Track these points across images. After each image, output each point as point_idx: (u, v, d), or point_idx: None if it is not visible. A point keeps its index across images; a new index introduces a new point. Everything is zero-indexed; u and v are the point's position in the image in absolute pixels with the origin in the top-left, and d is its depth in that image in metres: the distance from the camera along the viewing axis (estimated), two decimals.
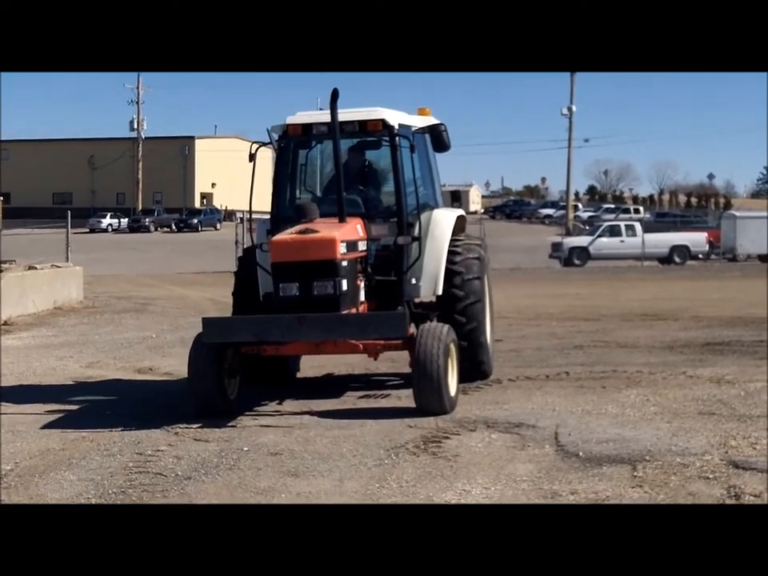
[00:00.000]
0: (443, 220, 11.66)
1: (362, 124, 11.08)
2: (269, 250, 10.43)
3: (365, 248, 10.84)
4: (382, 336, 9.99)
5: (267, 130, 11.45)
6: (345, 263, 10.18)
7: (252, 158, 11.14)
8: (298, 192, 11.96)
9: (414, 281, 11.18)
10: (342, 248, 10.14)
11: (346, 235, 10.34)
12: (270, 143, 11.49)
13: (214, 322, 10.17)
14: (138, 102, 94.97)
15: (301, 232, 10.22)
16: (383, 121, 11.06)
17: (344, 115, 10.60)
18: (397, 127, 11.11)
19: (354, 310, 10.41)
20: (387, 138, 11.16)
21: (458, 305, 11.29)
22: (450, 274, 11.36)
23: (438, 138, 11.61)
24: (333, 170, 11.37)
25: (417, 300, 11.54)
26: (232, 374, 10.52)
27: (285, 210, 11.47)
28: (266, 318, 10.09)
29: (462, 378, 10.66)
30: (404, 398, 10.83)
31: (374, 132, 11.19)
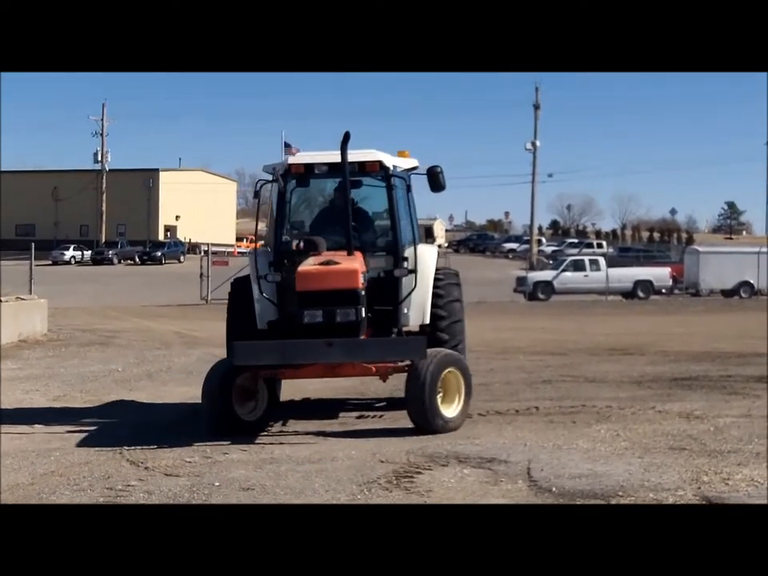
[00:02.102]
0: (427, 254, 12.35)
1: (361, 165, 11.82)
2: (294, 280, 11.00)
3: (366, 279, 11.43)
4: (403, 358, 10.80)
5: (273, 168, 12.12)
6: (363, 292, 10.92)
7: (257, 194, 12.09)
8: (298, 226, 12.75)
9: (405, 310, 11.82)
10: (361, 278, 10.90)
11: (362, 266, 11.12)
12: (275, 181, 12.09)
13: (244, 347, 10.74)
14: (102, 134, 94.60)
15: (323, 263, 10.93)
16: (380, 162, 11.82)
17: (339, 156, 11.16)
18: (392, 168, 11.84)
19: (365, 336, 11.10)
20: (381, 178, 11.91)
21: (441, 323, 12.00)
22: (433, 296, 12.06)
23: (434, 179, 12.17)
24: (330, 206, 12.52)
25: (404, 328, 12.06)
26: (248, 397, 11.09)
27: (287, 244, 12.17)
28: (295, 343, 10.71)
29: None
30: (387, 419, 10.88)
31: (371, 172, 11.95)
